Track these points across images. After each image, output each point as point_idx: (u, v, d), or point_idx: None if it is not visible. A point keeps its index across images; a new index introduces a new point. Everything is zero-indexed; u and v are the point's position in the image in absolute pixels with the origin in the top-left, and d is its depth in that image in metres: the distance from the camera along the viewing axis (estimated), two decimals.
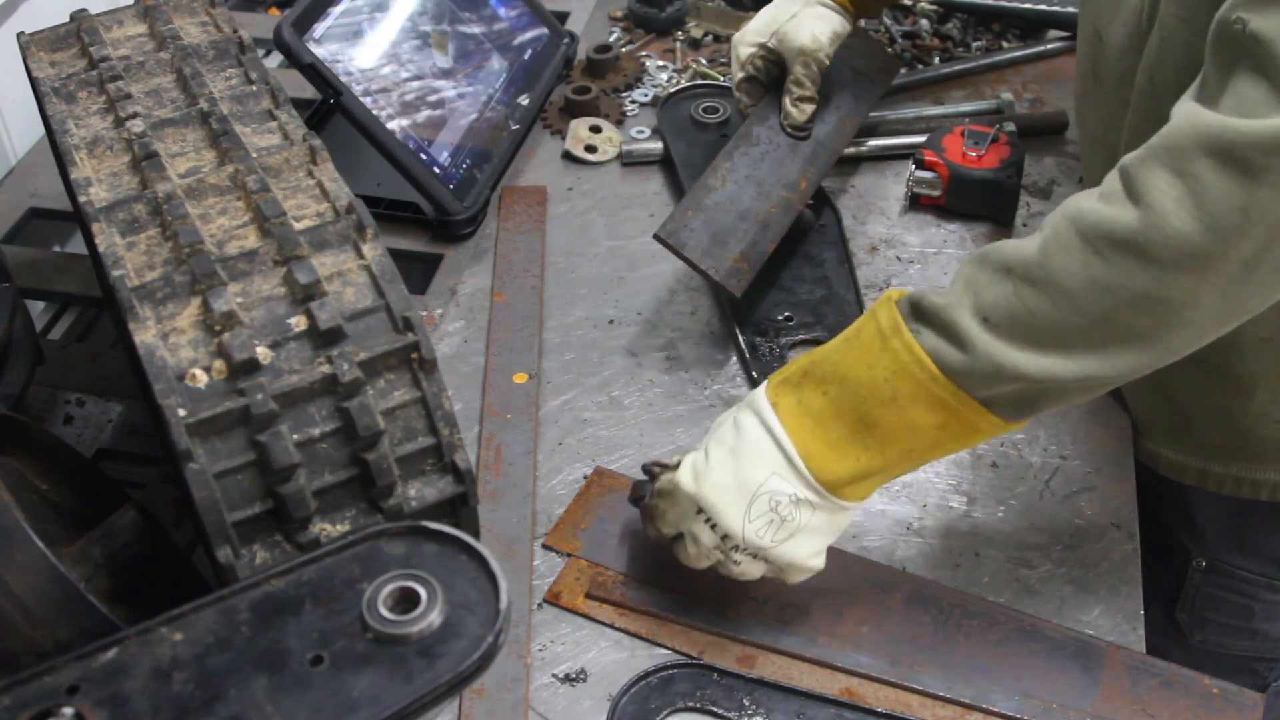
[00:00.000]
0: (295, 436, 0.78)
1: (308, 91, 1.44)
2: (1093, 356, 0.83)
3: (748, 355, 1.23)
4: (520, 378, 1.22)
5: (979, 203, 1.38)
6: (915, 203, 1.41)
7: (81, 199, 0.89)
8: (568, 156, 1.51)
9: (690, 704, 0.94)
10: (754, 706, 0.94)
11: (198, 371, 0.77)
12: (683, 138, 1.48)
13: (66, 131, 0.97)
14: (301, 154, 0.93)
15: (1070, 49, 1.62)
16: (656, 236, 1.22)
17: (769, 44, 1.32)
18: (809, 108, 1.32)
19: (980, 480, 1.13)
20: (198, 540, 1.05)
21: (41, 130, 1.36)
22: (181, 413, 0.75)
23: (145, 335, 0.79)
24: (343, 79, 1.33)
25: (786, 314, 1.28)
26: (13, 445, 0.95)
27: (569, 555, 1.06)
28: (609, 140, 1.52)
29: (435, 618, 0.69)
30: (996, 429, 0.88)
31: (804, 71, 1.30)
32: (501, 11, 1.58)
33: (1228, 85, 0.80)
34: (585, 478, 1.12)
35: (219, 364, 0.78)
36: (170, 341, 0.79)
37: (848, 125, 1.38)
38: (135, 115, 0.97)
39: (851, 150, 1.47)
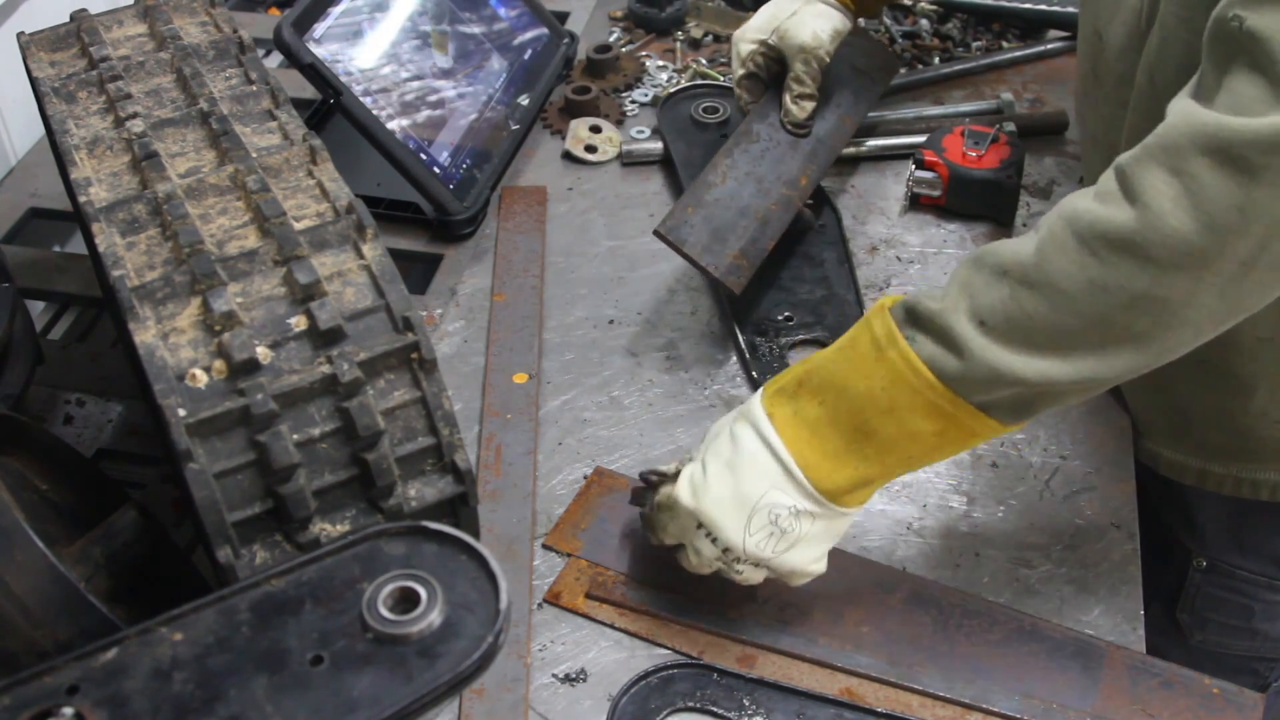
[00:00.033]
0: (295, 436, 0.78)
1: (308, 91, 1.44)
2: (1090, 358, 0.83)
3: (747, 355, 1.23)
4: (520, 378, 1.22)
5: (979, 203, 1.38)
6: (915, 203, 1.41)
7: (81, 199, 0.89)
8: (568, 156, 1.51)
9: (690, 704, 0.94)
10: (754, 706, 0.94)
11: (198, 371, 0.77)
12: (683, 138, 1.48)
13: (66, 131, 0.97)
14: (301, 154, 0.93)
15: (1070, 49, 1.62)
16: (656, 232, 1.22)
17: (770, 41, 1.32)
18: (809, 105, 1.32)
19: (980, 480, 1.13)
20: (198, 540, 1.05)
21: (41, 130, 1.36)
22: (181, 413, 0.75)
23: (145, 335, 0.79)
24: (343, 79, 1.33)
25: (786, 314, 1.28)
26: (13, 445, 0.95)
27: (569, 555, 1.06)
28: (609, 140, 1.52)
29: (435, 618, 0.69)
30: (995, 432, 0.88)
31: (804, 69, 1.31)
32: (501, 11, 1.58)
33: (1224, 82, 0.80)
34: (585, 478, 1.12)
35: (219, 364, 0.78)
36: (170, 341, 0.79)
37: (848, 123, 1.38)
38: (135, 115, 0.97)
39: (851, 150, 1.47)
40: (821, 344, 1.25)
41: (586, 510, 1.09)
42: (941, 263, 1.35)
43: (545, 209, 1.43)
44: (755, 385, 1.21)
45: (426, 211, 1.39)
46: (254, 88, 1.01)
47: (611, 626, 1.01)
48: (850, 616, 1.01)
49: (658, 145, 1.50)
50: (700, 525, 0.93)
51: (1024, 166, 1.38)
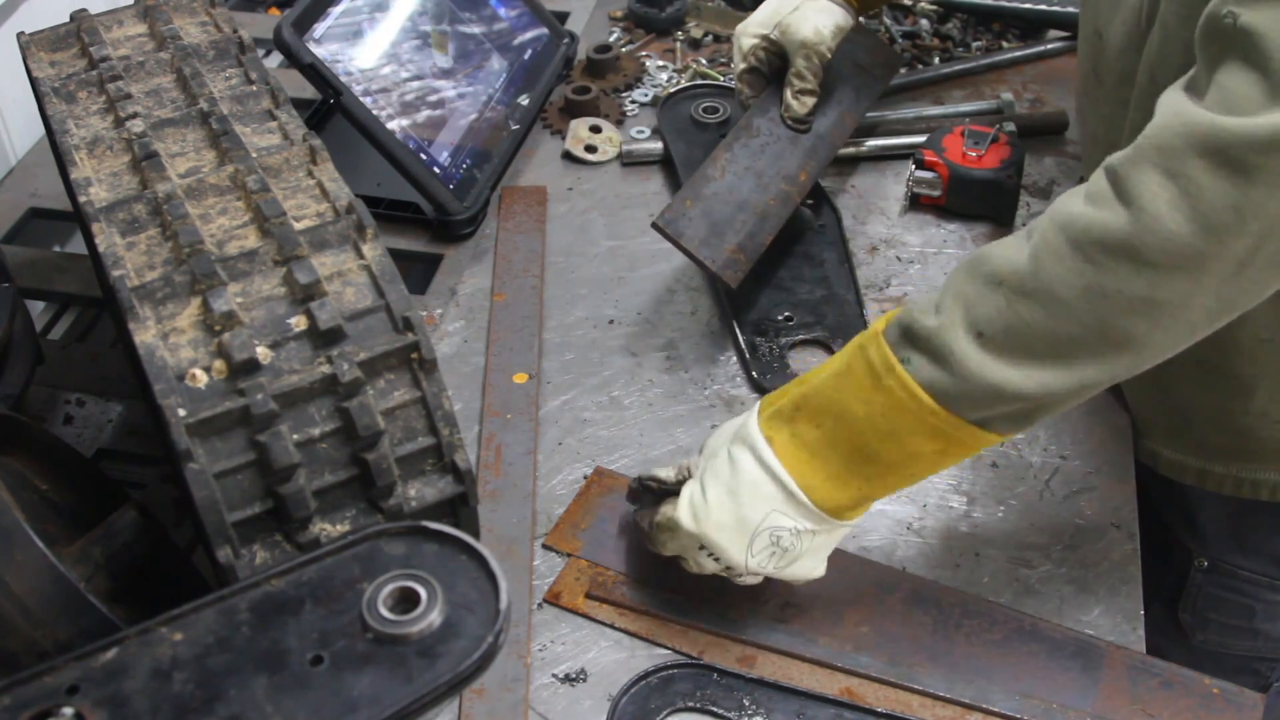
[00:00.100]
0: (295, 436, 0.78)
1: (308, 91, 1.44)
2: (1090, 364, 0.83)
3: (747, 355, 1.23)
4: (520, 378, 1.22)
5: (979, 203, 1.38)
6: (915, 203, 1.41)
7: (81, 199, 0.89)
8: (568, 156, 1.51)
9: (690, 704, 0.94)
10: (754, 706, 0.94)
11: (198, 371, 0.77)
12: (683, 138, 1.48)
13: (66, 131, 0.97)
14: (301, 154, 0.93)
15: (1070, 49, 1.62)
16: (654, 225, 1.22)
17: (771, 36, 1.32)
18: (810, 100, 1.32)
19: (980, 480, 1.13)
20: (198, 540, 1.05)
21: (41, 130, 1.36)
22: (181, 413, 0.75)
23: (145, 335, 0.79)
24: (343, 79, 1.33)
25: (786, 314, 1.28)
26: (13, 445, 0.95)
27: (569, 555, 1.06)
28: (609, 140, 1.52)
29: (435, 618, 0.69)
30: (995, 442, 0.88)
31: (805, 64, 1.31)
32: (501, 11, 1.58)
33: (1216, 79, 0.80)
34: (585, 478, 1.12)
35: (219, 364, 0.78)
36: (170, 341, 0.79)
37: (848, 119, 1.38)
38: (135, 115, 0.97)
39: (851, 150, 1.47)
40: (821, 344, 1.25)
41: (586, 510, 1.09)
42: (941, 263, 1.35)
43: (545, 209, 1.43)
44: (755, 385, 1.21)
45: (426, 211, 1.39)
46: (254, 88, 1.01)
47: (611, 626, 1.01)
48: (850, 616, 1.01)
49: (658, 145, 1.50)
50: (702, 546, 0.94)
51: (1024, 166, 1.38)
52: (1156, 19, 1.00)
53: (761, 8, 1.34)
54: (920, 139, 1.44)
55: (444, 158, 1.40)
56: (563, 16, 1.74)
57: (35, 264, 1.38)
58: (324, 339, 0.80)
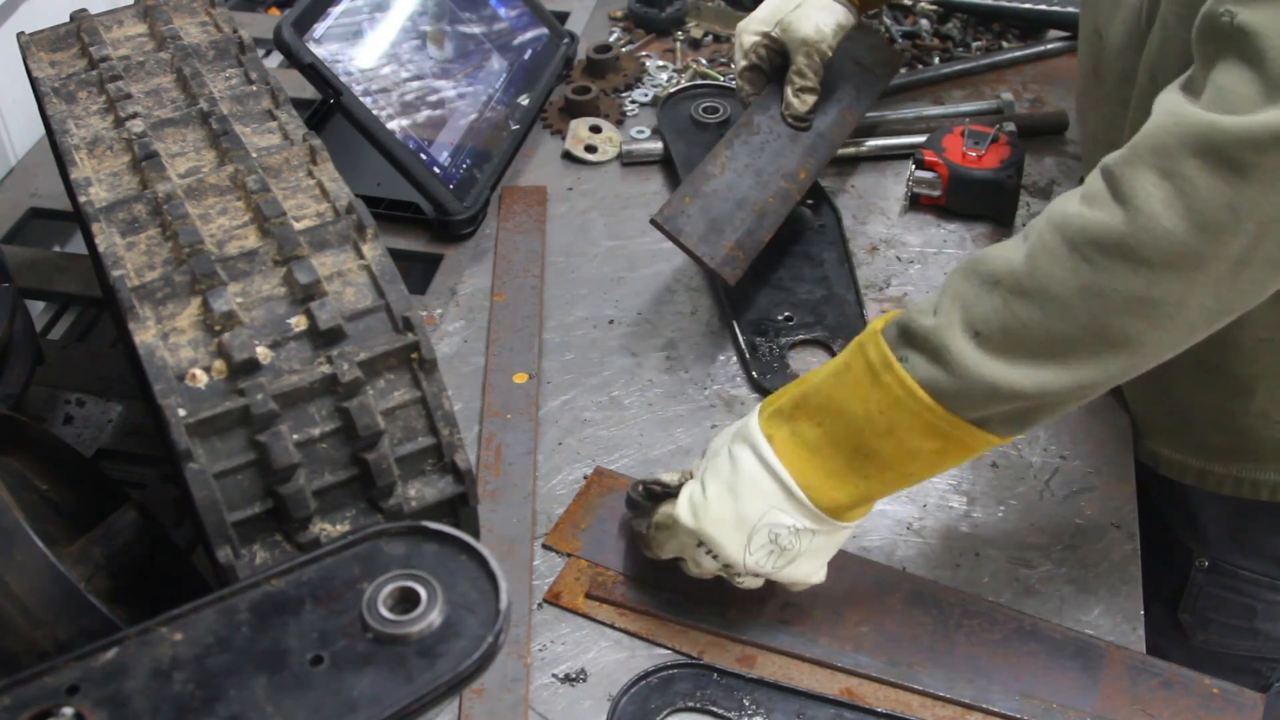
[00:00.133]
0: (295, 436, 0.78)
1: (308, 91, 1.44)
2: (1087, 364, 0.83)
3: (747, 355, 1.23)
4: (520, 378, 1.22)
5: (979, 203, 1.38)
6: (915, 203, 1.41)
7: (81, 199, 0.89)
8: (568, 156, 1.51)
9: (690, 704, 0.94)
10: (754, 706, 0.94)
11: (198, 371, 0.77)
12: (683, 138, 1.48)
13: (66, 131, 0.97)
14: (301, 154, 0.93)
15: (1070, 49, 1.62)
16: (653, 221, 1.22)
17: (773, 33, 1.32)
18: (810, 98, 1.32)
19: (980, 480, 1.13)
20: (198, 540, 1.05)
21: (41, 130, 1.36)
22: (181, 413, 0.75)
23: (145, 335, 0.79)
24: (343, 79, 1.33)
25: (786, 314, 1.28)
26: (13, 445, 0.95)
27: (569, 555, 1.06)
28: (609, 140, 1.52)
29: (435, 618, 0.69)
30: (994, 444, 0.88)
31: (806, 62, 1.31)
32: (501, 11, 1.58)
33: (1212, 77, 0.80)
34: (585, 478, 1.12)
35: (219, 364, 0.78)
36: (170, 341, 0.79)
37: (849, 118, 1.38)
38: (135, 115, 0.97)
39: (851, 150, 1.47)
40: (821, 344, 1.25)
41: (586, 510, 1.09)
42: (941, 263, 1.35)
43: (545, 209, 1.43)
44: (755, 385, 1.21)
45: (426, 211, 1.39)
46: (254, 88, 1.01)
47: (611, 626, 1.01)
48: (850, 616, 1.01)
49: (658, 145, 1.50)
50: (701, 544, 0.93)
51: (1024, 166, 1.38)
52: (1156, 18, 1.00)
53: (763, 5, 1.34)
54: (920, 139, 1.44)
55: (444, 158, 1.40)
56: (563, 16, 1.74)
57: (35, 264, 1.38)
58: (324, 339, 0.80)
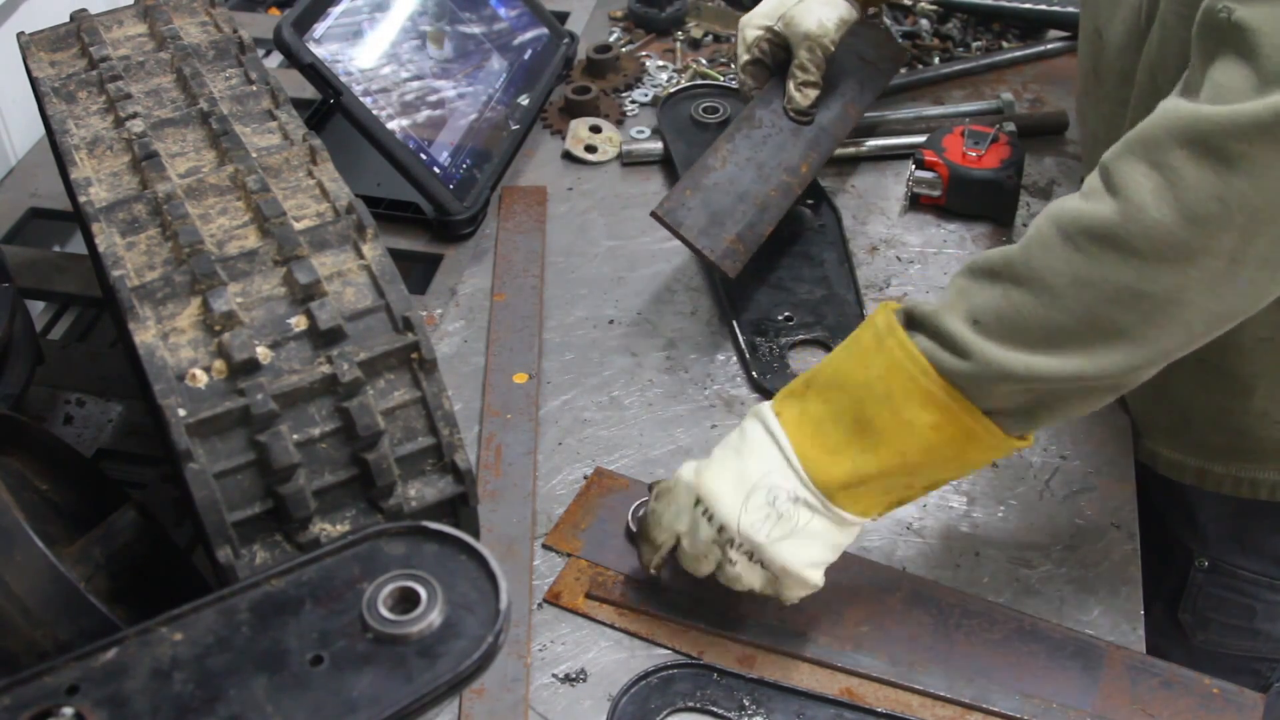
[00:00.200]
0: (295, 436, 0.78)
1: (308, 91, 1.44)
2: (1080, 355, 0.83)
3: (747, 355, 1.23)
4: (520, 378, 1.22)
5: (979, 203, 1.38)
6: (915, 203, 1.41)
7: (81, 199, 0.89)
8: (568, 156, 1.51)
9: (690, 704, 0.94)
10: (754, 706, 0.94)
11: (198, 371, 0.77)
12: (683, 138, 1.48)
13: (66, 131, 0.97)
14: (301, 154, 0.93)
15: (1070, 49, 1.62)
16: (654, 214, 1.22)
17: (775, 27, 1.32)
18: (813, 93, 1.32)
19: (980, 480, 1.13)
20: (198, 540, 1.05)
21: (41, 130, 1.36)
22: (181, 413, 0.75)
23: (145, 335, 0.79)
24: (343, 79, 1.33)
25: (786, 314, 1.28)
26: (13, 445, 0.95)
27: (569, 555, 1.06)
28: (609, 140, 1.52)
29: (435, 618, 0.69)
30: (995, 438, 0.88)
31: (809, 56, 1.31)
32: (501, 11, 1.58)
33: (1209, 74, 0.80)
34: (585, 478, 1.12)
35: (219, 364, 0.78)
36: (170, 341, 0.79)
37: (851, 112, 1.38)
38: (135, 115, 0.97)
39: (851, 150, 1.47)
40: (821, 344, 1.25)
41: (586, 510, 1.09)
42: (941, 263, 1.35)
43: (545, 209, 1.43)
44: (755, 385, 1.21)
45: (426, 211, 1.39)
46: (254, 88, 1.01)
47: (611, 626, 1.01)
48: (850, 616, 1.01)
49: (658, 145, 1.50)
50: (698, 502, 0.93)
51: (1024, 166, 1.38)
52: (1156, 18, 1.00)
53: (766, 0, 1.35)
54: (920, 139, 1.44)
55: (444, 158, 1.40)
56: (563, 16, 1.74)
57: (35, 264, 1.38)
58: (324, 339, 0.80)
